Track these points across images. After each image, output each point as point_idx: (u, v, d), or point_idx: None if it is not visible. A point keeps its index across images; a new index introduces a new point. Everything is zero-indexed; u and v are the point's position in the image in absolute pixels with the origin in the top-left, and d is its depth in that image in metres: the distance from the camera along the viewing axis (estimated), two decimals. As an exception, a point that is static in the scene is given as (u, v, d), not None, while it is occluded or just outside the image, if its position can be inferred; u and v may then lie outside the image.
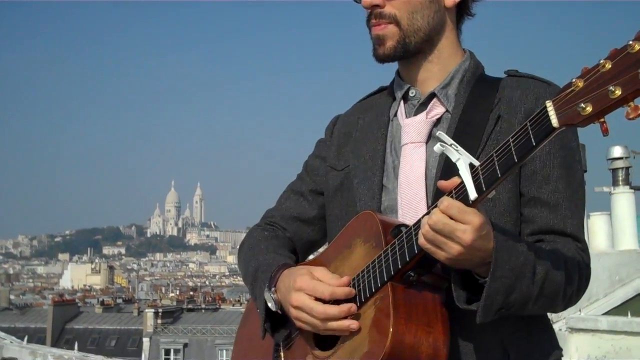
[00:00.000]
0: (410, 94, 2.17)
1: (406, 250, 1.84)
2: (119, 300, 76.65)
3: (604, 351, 10.60)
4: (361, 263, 1.97)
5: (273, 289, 2.06)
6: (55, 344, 51.26)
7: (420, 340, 1.83)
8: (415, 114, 2.13)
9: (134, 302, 74.24)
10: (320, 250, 2.35)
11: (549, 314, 2.08)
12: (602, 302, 12.82)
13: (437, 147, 1.75)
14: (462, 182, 1.71)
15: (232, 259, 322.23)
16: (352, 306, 1.92)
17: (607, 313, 12.54)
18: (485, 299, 1.74)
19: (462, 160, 1.72)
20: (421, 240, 1.76)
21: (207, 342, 54.91)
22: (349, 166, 2.22)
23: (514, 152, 1.61)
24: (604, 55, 1.49)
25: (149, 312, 58.07)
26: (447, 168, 1.86)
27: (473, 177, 1.69)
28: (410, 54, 2.10)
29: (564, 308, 1.96)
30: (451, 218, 1.70)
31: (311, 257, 2.37)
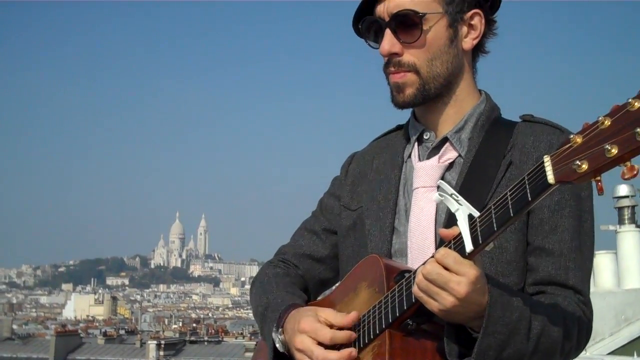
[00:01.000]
0: (425, 137, 2.17)
1: (404, 298, 1.82)
2: (122, 332, 76.45)
3: (610, 391, 10.53)
4: (364, 308, 1.96)
5: (280, 329, 2.05)
6: (57, 374, 51.00)
7: None
8: (429, 157, 2.13)
9: (136, 333, 74.01)
10: (330, 289, 2.36)
11: None
12: (607, 341, 12.75)
13: (437, 197, 1.75)
14: (460, 233, 1.70)
15: (235, 291, 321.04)
16: (352, 351, 1.90)
17: (612, 352, 12.47)
18: (476, 355, 1.72)
19: (461, 210, 1.70)
20: (414, 289, 1.75)
21: (210, 374, 54.58)
22: (362, 207, 2.22)
23: (510, 207, 1.59)
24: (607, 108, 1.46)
25: (152, 344, 57.90)
26: (455, 217, 1.87)
27: (471, 229, 1.68)
28: (429, 99, 2.09)
29: None
30: (446, 268, 1.69)
31: (320, 297, 2.37)
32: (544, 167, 1.53)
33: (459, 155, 2.10)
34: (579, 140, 1.47)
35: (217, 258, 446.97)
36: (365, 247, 2.14)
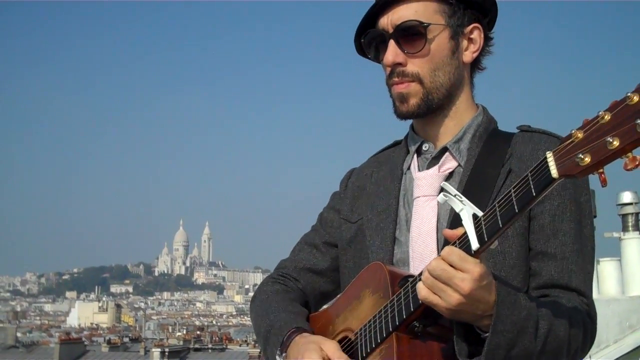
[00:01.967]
0: (424, 148, 2.20)
1: (411, 300, 1.85)
2: (126, 339, 76.27)
3: (615, 399, 10.52)
4: (369, 314, 1.98)
5: (284, 354, 2.07)
6: (61, 382, 51.04)
7: None
8: (428, 167, 2.16)
9: (140, 341, 73.87)
10: (332, 300, 2.37)
11: None
12: (612, 348, 12.73)
13: (441, 197, 1.78)
14: (465, 232, 1.72)
15: (239, 299, 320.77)
16: None
17: (617, 360, 12.45)
18: (486, 354, 1.75)
19: (466, 210, 1.74)
20: (419, 286, 1.78)
21: (214, 382, 54.55)
22: (362, 219, 2.24)
23: (514, 203, 1.63)
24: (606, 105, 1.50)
25: (156, 352, 57.84)
26: (458, 221, 1.87)
27: (476, 228, 1.71)
28: (432, 110, 2.13)
29: None
30: (451, 265, 1.72)
31: (325, 306, 2.39)
32: (547, 162, 1.56)
33: (459, 165, 2.13)
34: (580, 135, 1.51)
35: (221, 265, 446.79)
36: (367, 258, 2.16)
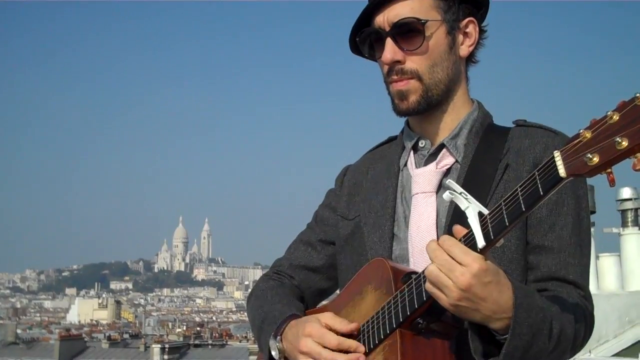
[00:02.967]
0: (420, 145, 2.20)
1: (415, 296, 1.84)
2: (126, 336, 76.42)
3: (614, 393, 10.53)
4: (371, 310, 1.98)
5: (279, 337, 2.07)
6: (61, 379, 51.06)
7: None
8: (425, 164, 2.16)
9: (140, 337, 74.05)
10: (332, 296, 2.37)
11: None
12: (611, 343, 12.74)
13: (447, 195, 1.76)
14: (471, 230, 1.72)
15: (239, 295, 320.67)
16: (360, 356, 1.93)
17: (617, 354, 12.47)
18: (504, 356, 1.74)
19: (471, 208, 1.73)
20: (427, 271, 1.77)
21: (214, 378, 54.59)
22: (359, 215, 2.24)
23: (521, 202, 1.62)
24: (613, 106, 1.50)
25: (156, 348, 57.91)
26: (457, 217, 1.88)
27: (482, 226, 1.70)
28: (431, 107, 2.12)
29: (570, 357, 1.96)
30: (453, 258, 1.71)
31: (325, 302, 2.39)
32: (554, 161, 1.55)
33: (456, 161, 2.13)
34: (588, 135, 1.51)
35: (220, 262, 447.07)
36: (365, 254, 2.16)
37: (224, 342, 66.54)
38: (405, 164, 2.22)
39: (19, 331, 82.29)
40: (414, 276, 1.88)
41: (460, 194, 1.75)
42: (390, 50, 2.09)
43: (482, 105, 2.23)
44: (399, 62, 2.10)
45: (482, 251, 1.70)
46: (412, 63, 2.09)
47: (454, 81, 2.15)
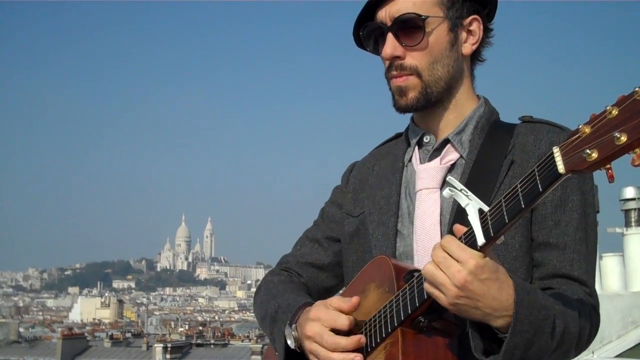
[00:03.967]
0: (425, 140, 2.18)
1: (416, 295, 1.83)
2: (128, 335, 76.62)
3: (617, 394, 10.51)
4: (374, 308, 1.97)
5: (294, 325, 2.05)
6: (63, 378, 51.17)
7: None
8: (430, 159, 2.15)
9: (143, 336, 74.23)
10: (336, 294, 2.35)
11: None
12: (615, 344, 12.73)
13: (447, 192, 1.75)
14: (471, 227, 1.71)
15: (241, 294, 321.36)
16: (361, 337, 1.92)
17: (620, 355, 12.45)
18: (504, 353, 1.73)
19: (472, 205, 1.72)
20: (424, 269, 1.76)
21: (216, 377, 54.68)
22: (364, 212, 2.23)
23: (521, 198, 1.61)
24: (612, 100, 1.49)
25: (158, 347, 58.08)
26: (461, 213, 1.85)
27: (482, 223, 1.69)
28: (431, 103, 2.11)
29: (575, 356, 1.94)
30: (450, 255, 1.71)
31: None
32: (553, 157, 1.55)
33: (461, 157, 2.11)
34: (587, 130, 1.49)
35: (223, 261, 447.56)
36: (370, 251, 2.15)
37: (226, 342, 66.72)
38: (410, 160, 2.21)
39: (21, 330, 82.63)
40: (415, 274, 1.87)
41: (460, 190, 1.74)
42: (390, 45, 2.09)
43: (489, 101, 2.22)
44: (398, 57, 2.09)
45: (482, 248, 1.69)
46: (412, 59, 2.08)
47: (455, 79, 2.13)
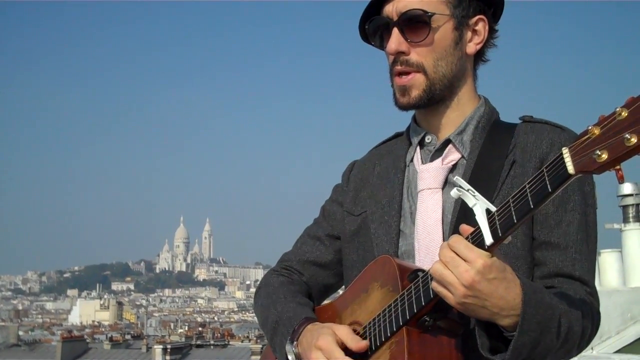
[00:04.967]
0: (427, 140, 2.19)
1: (422, 294, 1.84)
2: (128, 336, 76.42)
3: (617, 389, 10.53)
4: (377, 307, 1.98)
5: (295, 342, 2.06)
6: (63, 380, 51.11)
7: None
8: (431, 160, 2.16)
9: (142, 338, 74.05)
10: (338, 293, 2.36)
11: None
12: (614, 339, 12.75)
13: (454, 192, 1.76)
14: (479, 227, 1.71)
15: (241, 295, 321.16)
16: None
17: (619, 351, 12.47)
18: (512, 352, 1.74)
19: (479, 205, 1.72)
20: (432, 268, 1.77)
21: (216, 378, 54.64)
22: (365, 211, 2.24)
23: (530, 198, 1.62)
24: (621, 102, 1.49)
25: (158, 348, 57.97)
26: (463, 213, 1.88)
27: (489, 223, 1.69)
28: (434, 102, 2.12)
29: (577, 354, 1.96)
30: (458, 254, 1.71)
31: (328, 300, 2.38)
32: (562, 158, 1.55)
33: (462, 157, 2.12)
34: (596, 131, 1.50)
35: (222, 262, 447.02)
36: (371, 250, 2.16)
37: (226, 342, 66.56)
38: (412, 160, 2.22)
39: (20, 333, 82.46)
40: (420, 274, 1.88)
41: (467, 190, 1.74)
42: (395, 40, 2.09)
43: (489, 101, 2.23)
44: (403, 53, 2.10)
45: (489, 248, 1.70)
46: (417, 55, 2.09)
47: (457, 77, 2.14)
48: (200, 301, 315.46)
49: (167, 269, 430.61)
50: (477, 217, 1.71)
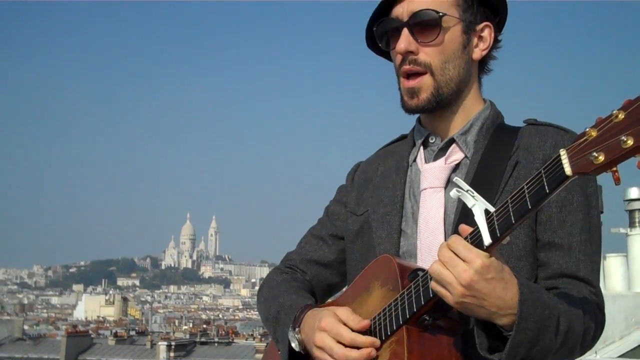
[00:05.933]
0: (430, 140, 2.21)
1: (421, 293, 1.86)
2: (132, 332, 76.52)
3: (620, 394, 10.51)
4: (378, 306, 1.99)
5: (297, 329, 2.08)
6: (67, 375, 51.24)
7: None
8: (435, 159, 2.17)
9: (147, 334, 74.14)
10: (340, 292, 2.38)
11: None
12: (618, 344, 12.73)
13: (454, 193, 1.78)
14: (478, 227, 1.73)
15: (246, 292, 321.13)
16: (371, 351, 1.94)
17: (623, 355, 12.45)
18: (508, 351, 1.75)
19: (478, 206, 1.74)
20: (431, 268, 1.78)
21: (220, 376, 54.68)
22: (368, 211, 2.25)
23: (527, 199, 1.63)
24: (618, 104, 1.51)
25: (162, 345, 58.09)
26: (465, 213, 1.89)
27: (488, 223, 1.71)
28: (442, 105, 2.13)
29: (580, 355, 1.96)
30: (456, 254, 1.73)
31: (331, 299, 2.40)
32: (560, 160, 1.57)
33: (465, 157, 2.14)
34: (593, 133, 1.52)
35: (227, 259, 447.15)
36: (373, 250, 2.17)
37: (231, 340, 66.56)
38: (415, 160, 2.23)
39: (25, 327, 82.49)
40: (420, 273, 1.89)
41: (467, 191, 1.76)
42: (405, 40, 2.11)
43: (494, 105, 2.24)
44: (412, 53, 2.11)
45: (488, 249, 1.71)
46: (426, 56, 2.11)
47: (464, 81, 2.16)
48: (205, 298, 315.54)
49: (172, 265, 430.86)
50: (475, 218, 1.73)
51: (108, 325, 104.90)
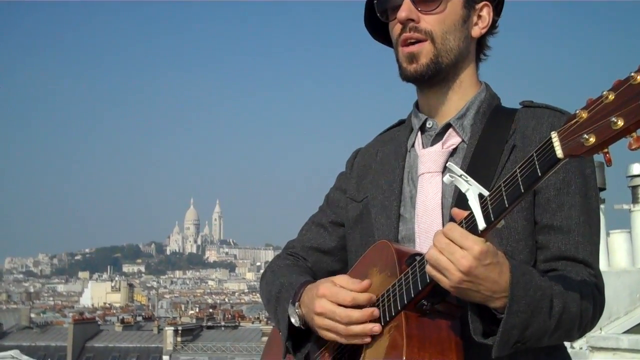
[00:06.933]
0: (428, 125, 2.21)
1: (419, 279, 1.86)
2: (139, 318, 76.87)
3: (625, 370, 10.53)
4: (376, 292, 1.99)
5: (297, 303, 2.09)
6: (75, 362, 51.45)
7: None
8: (432, 144, 2.17)
9: (153, 319, 74.34)
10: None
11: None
12: (622, 320, 12.72)
13: (447, 178, 1.78)
14: (472, 212, 1.73)
15: (251, 276, 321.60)
16: (374, 310, 1.95)
17: (628, 331, 12.45)
18: (501, 334, 1.75)
19: (472, 190, 1.74)
20: (428, 255, 1.79)
21: (227, 359, 54.94)
22: (367, 197, 2.26)
23: (520, 183, 1.63)
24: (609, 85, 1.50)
25: (169, 330, 58.21)
26: (463, 197, 1.87)
27: (482, 208, 1.71)
28: (439, 76, 2.13)
29: (579, 337, 1.96)
30: (453, 242, 1.73)
31: None
32: (552, 142, 1.56)
33: (462, 141, 2.14)
34: (584, 115, 1.51)
35: (232, 243, 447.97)
36: (373, 235, 2.18)
37: (237, 324, 66.75)
38: (413, 145, 2.24)
39: (32, 315, 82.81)
40: (417, 258, 1.90)
41: (460, 176, 1.75)
42: (406, 8, 2.11)
43: (490, 87, 2.24)
44: (413, 20, 2.11)
45: (482, 233, 1.71)
46: (427, 24, 2.11)
47: (463, 55, 2.16)
48: (210, 283, 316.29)
49: (177, 250, 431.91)
50: (469, 202, 1.73)
51: (114, 311, 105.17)
